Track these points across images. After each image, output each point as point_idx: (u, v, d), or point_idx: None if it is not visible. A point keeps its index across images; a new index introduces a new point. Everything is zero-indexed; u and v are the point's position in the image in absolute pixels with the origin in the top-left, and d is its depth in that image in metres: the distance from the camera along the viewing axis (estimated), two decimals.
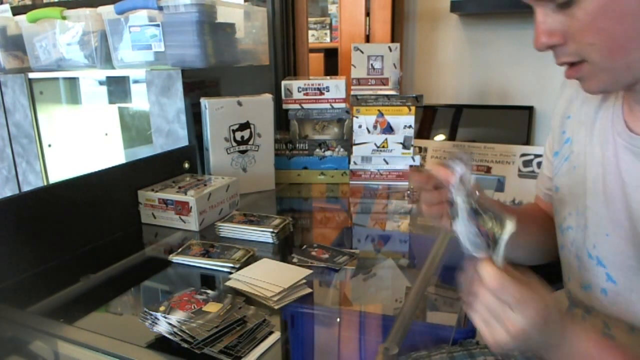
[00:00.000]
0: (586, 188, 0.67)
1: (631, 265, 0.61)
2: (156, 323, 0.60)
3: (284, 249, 0.91)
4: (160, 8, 1.16)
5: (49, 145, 1.50)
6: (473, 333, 1.18)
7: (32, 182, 1.52)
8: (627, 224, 0.61)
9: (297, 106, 1.31)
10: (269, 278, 0.73)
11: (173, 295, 0.65)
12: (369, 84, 1.37)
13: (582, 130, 0.69)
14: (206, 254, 0.83)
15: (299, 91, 1.30)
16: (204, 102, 1.13)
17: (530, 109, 2.06)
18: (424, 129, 2.20)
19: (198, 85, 1.21)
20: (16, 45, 1.49)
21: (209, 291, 0.67)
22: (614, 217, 0.62)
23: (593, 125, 0.67)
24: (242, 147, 1.19)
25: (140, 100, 1.35)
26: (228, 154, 1.17)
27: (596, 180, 0.65)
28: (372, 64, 1.36)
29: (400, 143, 1.28)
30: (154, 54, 1.22)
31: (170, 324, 0.58)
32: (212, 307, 0.62)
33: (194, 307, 0.62)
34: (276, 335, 0.61)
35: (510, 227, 0.50)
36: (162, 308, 0.61)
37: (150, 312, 0.61)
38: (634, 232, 0.60)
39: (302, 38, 1.68)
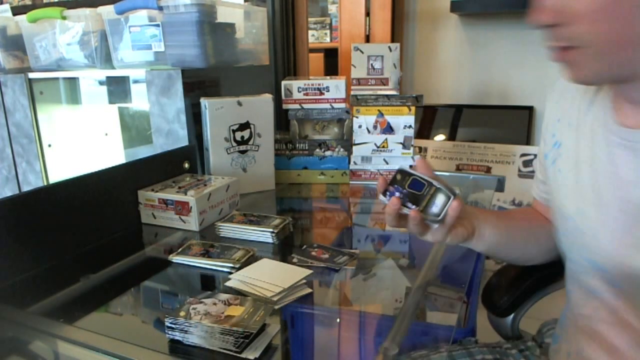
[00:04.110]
0: (576, 190, 0.66)
1: (625, 264, 0.61)
2: (187, 332, 0.58)
3: (284, 249, 0.91)
4: (160, 8, 1.16)
5: (49, 145, 1.50)
6: (473, 332, 1.18)
7: (32, 182, 1.52)
8: (618, 224, 0.60)
9: (297, 106, 1.31)
10: (269, 278, 0.73)
11: (189, 299, 0.63)
12: (369, 84, 1.37)
13: (571, 132, 0.68)
14: (206, 254, 0.83)
15: (299, 91, 1.30)
16: (204, 102, 1.13)
17: (530, 109, 2.06)
18: (424, 129, 2.20)
19: (198, 85, 1.21)
20: (16, 45, 1.49)
21: (225, 295, 0.66)
22: (604, 218, 0.62)
23: (581, 127, 0.67)
24: (242, 147, 1.19)
25: (140, 100, 1.35)
26: (228, 154, 1.17)
27: (586, 182, 0.65)
28: (372, 64, 1.35)
29: (400, 143, 1.28)
30: (154, 54, 1.22)
31: (201, 334, 0.57)
32: (235, 311, 0.61)
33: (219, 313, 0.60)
34: (276, 336, 0.61)
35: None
36: (182, 313, 0.59)
37: (177, 321, 0.58)
38: (624, 230, 0.60)
39: (302, 38, 1.68)
